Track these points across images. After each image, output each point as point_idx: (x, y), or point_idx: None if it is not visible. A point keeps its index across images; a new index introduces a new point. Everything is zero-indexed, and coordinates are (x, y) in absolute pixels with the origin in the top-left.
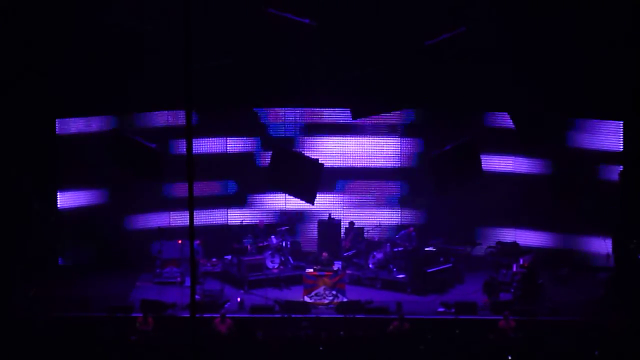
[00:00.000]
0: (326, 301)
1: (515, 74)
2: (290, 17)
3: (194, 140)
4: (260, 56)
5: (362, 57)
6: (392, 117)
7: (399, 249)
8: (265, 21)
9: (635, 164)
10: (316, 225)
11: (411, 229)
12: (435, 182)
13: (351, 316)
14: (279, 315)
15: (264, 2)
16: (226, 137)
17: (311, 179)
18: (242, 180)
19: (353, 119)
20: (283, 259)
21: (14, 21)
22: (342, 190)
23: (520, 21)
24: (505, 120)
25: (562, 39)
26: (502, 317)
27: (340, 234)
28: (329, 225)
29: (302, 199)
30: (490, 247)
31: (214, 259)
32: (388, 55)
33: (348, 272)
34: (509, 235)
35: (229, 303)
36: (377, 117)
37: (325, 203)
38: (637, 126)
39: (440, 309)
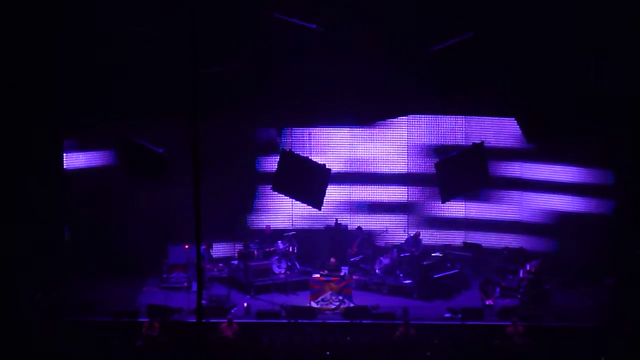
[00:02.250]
0: (332, 306)
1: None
2: (296, 22)
3: None
4: (267, 61)
5: (369, 62)
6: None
7: (406, 254)
8: (272, 26)
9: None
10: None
11: (418, 233)
12: (440, 189)
13: (357, 321)
14: (285, 321)
15: (270, 7)
16: None
17: (318, 184)
18: None
19: (358, 125)
20: (290, 264)
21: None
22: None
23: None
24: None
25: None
26: (510, 323)
27: (348, 240)
28: (336, 231)
29: (308, 204)
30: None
31: (220, 264)
32: (396, 60)
33: (355, 277)
34: None
35: (235, 308)
36: None
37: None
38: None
39: (447, 315)
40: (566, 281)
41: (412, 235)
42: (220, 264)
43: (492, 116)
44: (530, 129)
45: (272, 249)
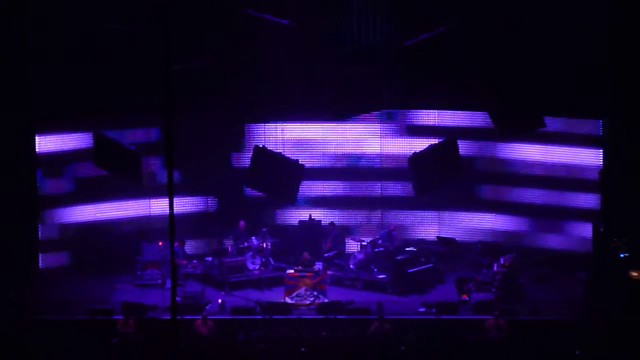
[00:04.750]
0: (307, 302)
1: (496, 72)
2: (269, 18)
3: None
4: (240, 57)
5: (343, 56)
6: None
7: (380, 249)
8: (244, 22)
9: (615, 162)
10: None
11: (392, 228)
12: (414, 182)
13: (332, 317)
14: (260, 317)
15: (242, 3)
16: None
17: (292, 180)
18: None
19: (335, 119)
20: (264, 260)
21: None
22: None
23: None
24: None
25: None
26: (489, 317)
27: (321, 235)
28: (310, 226)
29: (282, 200)
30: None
31: (194, 261)
32: (370, 55)
33: (329, 272)
34: None
35: (210, 305)
36: None
37: None
38: (617, 124)
39: (421, 309)
40: (540, 275)
41: (386, 230)
42: (195, 261)
43: (464, 110)
44: (502, 122)
45: (246, 245)
